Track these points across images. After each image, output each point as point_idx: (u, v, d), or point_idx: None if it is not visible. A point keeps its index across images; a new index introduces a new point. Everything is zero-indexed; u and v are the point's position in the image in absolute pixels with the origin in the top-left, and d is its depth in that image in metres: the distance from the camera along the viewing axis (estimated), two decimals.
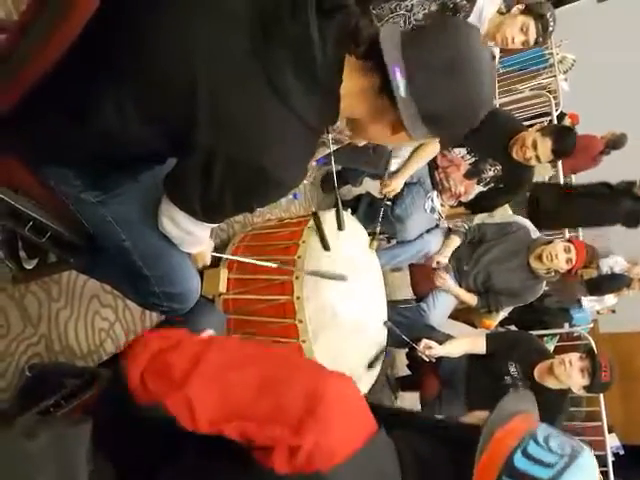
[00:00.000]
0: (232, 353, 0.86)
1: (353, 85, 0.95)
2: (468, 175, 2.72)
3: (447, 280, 2.75)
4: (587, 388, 2.42)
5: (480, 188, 2.76)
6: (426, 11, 1.98)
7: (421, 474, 0.79)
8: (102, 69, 0.91)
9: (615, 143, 4.71)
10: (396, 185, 2.57)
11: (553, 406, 2.48)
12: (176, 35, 0.88)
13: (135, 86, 0.90)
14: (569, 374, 2.40)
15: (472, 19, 2.18)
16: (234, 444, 0.77)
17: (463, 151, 2.69)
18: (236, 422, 0.76)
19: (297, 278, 1.83)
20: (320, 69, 0.90)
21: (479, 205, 2.86)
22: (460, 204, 2.89)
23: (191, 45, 0.88)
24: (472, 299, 2.84)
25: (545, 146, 2.55)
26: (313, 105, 0.92)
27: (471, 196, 2.80)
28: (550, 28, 2.33)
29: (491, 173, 2.70)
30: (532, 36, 2.30)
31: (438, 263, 2.72)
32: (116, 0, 0.89)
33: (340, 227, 2.08)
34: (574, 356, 2.44)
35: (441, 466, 0.81)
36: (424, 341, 2.48)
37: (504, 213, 3.07)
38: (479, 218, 2.89)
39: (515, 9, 2.27)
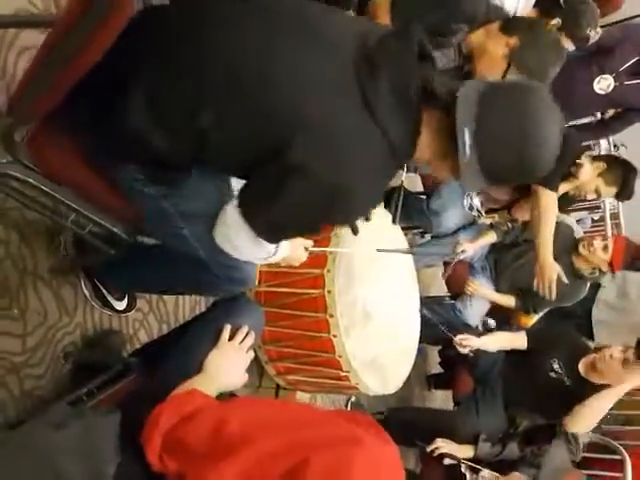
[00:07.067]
0: (250, 421, 0.82)
1: (428, 124, 1.00)
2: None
3: (478, 287, 2.69)
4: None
5: None
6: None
7: None
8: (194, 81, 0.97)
9: None
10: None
11: None
12: (287, 68, 0.95)
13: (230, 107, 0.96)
14: (611, 368, 2.30)
15: None
16: None
17: None
18: None
19: (329, 272, 1.81)
20: (413, 95, 0.96)
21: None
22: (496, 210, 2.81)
23: (299, 78, 0.94)
24: (509, 300, 2.76)
25: (608, 192, 2.47)
26: (402, 127, 0.97)
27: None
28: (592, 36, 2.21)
29: None
30: (572, 48, 2.19)
31: (462, 252, 2.60)
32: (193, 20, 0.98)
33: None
34: (615, 350, 2.33)
35: None
36: (459, 336, 2.45)
37: None
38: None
39: (551, 26, 2.10)
